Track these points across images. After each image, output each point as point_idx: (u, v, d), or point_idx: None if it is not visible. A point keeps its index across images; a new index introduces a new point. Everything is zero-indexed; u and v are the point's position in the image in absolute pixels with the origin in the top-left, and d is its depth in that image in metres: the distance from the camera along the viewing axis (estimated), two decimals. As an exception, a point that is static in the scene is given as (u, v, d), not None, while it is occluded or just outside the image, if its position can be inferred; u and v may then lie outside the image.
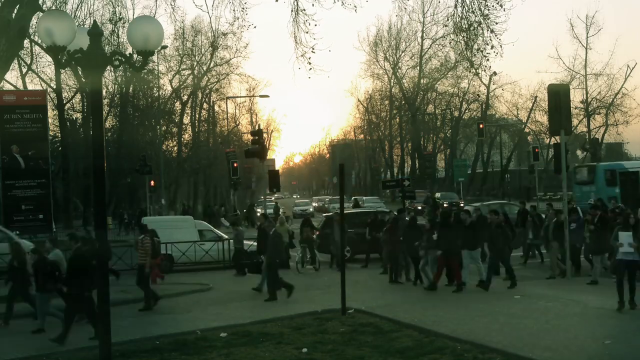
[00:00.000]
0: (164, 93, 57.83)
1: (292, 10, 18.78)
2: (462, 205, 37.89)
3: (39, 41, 35.85)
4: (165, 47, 49.80)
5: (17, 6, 16.82)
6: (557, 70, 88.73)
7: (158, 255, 17.56)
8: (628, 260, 11.87)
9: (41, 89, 42.64)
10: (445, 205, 41.60)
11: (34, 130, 32.75)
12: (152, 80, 53.54)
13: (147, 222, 18.27)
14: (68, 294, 12.09)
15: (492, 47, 18.86)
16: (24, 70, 45.58)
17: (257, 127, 46.33)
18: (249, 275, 20.35)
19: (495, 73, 29.54)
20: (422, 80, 70.68)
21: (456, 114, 74.55)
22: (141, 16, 9.17)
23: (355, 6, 18.85)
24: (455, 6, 18.86)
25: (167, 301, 16.10)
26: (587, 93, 63.34)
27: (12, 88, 41.36)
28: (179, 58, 59.79)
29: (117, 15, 36.58)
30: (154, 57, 42.93)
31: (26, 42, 36.96)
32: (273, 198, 73.53)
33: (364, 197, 68.03)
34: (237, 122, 72.75)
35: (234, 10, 19.56)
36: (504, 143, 74.97)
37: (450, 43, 34.25)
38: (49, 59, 39.57)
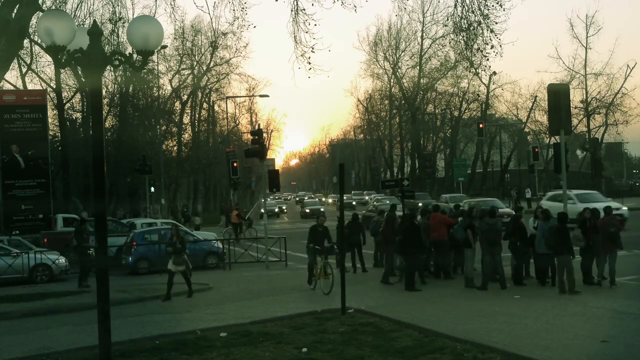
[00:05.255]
0: (163, 93, 57.90)
1: (291, 10, 18.76)
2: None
3: (39, 41, 35.82)
4: (165, 46, 49.75)
5: (17, 6, 16.78)
6: (557, 70, 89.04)
7: None
8: None
9: (41, 88, 42.62)
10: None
11: (33, 130, 32.77)
12: (152, 80, 53.49)
13: None
14: None
15: (492, 47, 18.81)
16: (24, 70, 45.52)
17: (257, 127, 46.35)
18: (247, 275, 20.28)
19: (495, 73, 29.51)
20: (421, 80, 70.60)
21: (456, 113, 74.53)
22: (141, 16, 9.15)
23: (355, 6, 18.80)
24: (455, 6, 18.85)
25: (167, 301, 16.11)
26: (587, 93, 63.35)
27: (12, 88, 41.35)
28: (179, 58, 59.91)
29: (117, 15, 36.53)
30: (154, 57, 42.92)
31: (26, 42, 36.95)
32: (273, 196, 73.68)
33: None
34: (237, 121, 72.97)
35: (234, 10, 19.51)
36: (504, 143, 74.94)
37: (450, 43, 34.25)
38: (49, 58, 39.51)
